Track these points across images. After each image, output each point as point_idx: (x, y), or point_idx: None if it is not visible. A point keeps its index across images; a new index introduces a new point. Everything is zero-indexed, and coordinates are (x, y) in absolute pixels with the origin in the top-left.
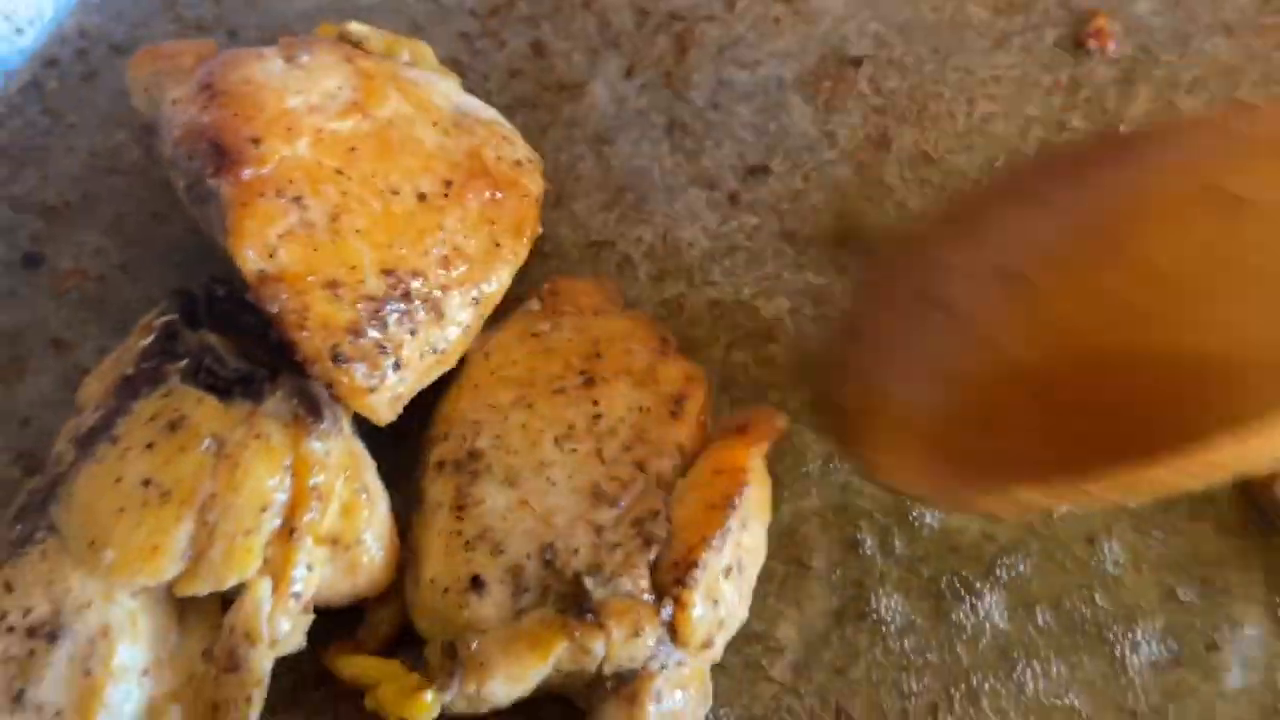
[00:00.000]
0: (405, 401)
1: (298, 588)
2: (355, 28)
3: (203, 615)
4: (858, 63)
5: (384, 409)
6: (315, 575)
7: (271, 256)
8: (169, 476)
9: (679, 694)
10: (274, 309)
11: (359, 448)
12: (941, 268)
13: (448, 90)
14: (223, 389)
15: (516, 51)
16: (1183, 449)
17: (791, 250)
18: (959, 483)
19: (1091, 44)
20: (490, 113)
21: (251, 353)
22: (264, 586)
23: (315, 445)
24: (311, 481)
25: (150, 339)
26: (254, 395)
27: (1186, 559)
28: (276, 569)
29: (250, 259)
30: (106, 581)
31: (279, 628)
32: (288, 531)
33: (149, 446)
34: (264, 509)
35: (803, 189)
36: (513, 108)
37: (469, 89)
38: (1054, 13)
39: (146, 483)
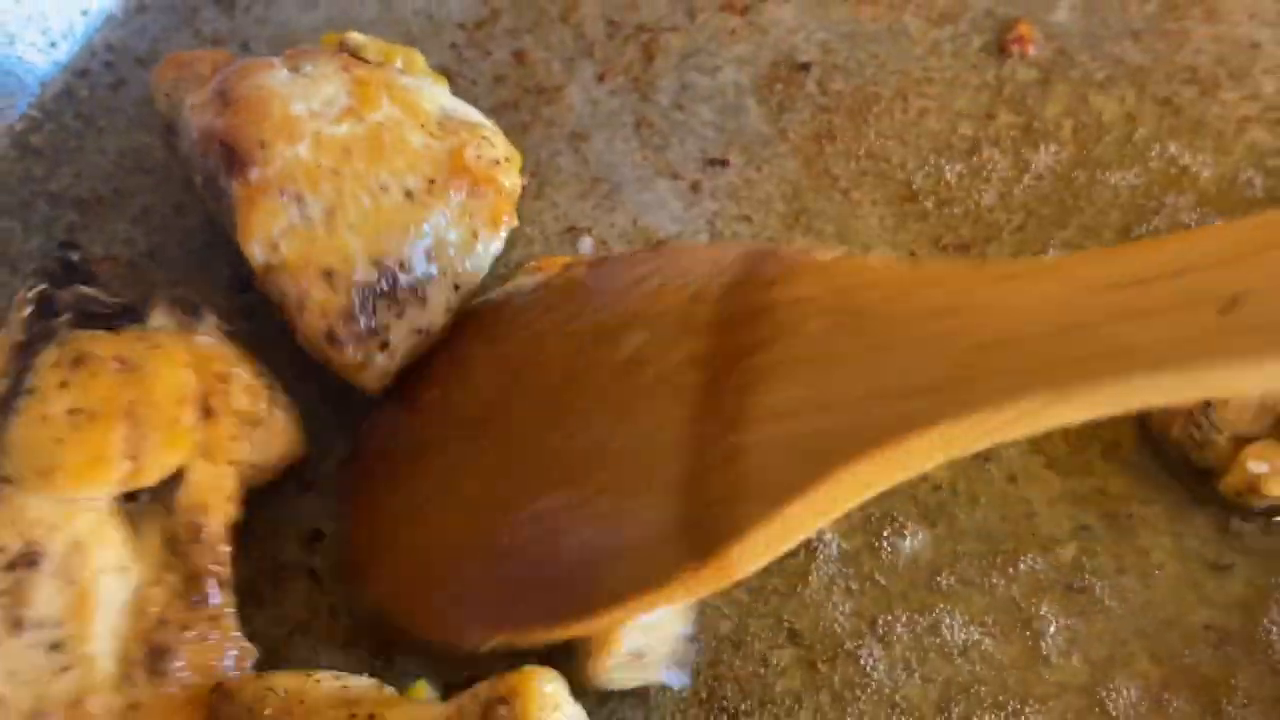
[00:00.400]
0: (392, 376)
1: (231, 455)
2: (354, 36)
3: (153, 519)
4: (806, 67)
5: (373, 382)
6: (241, 445)
7: (275, 250)
8: (89, 401)
9: None
10: (277, 296)
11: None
12: (423, 411)
13: (436, 94)
14: (109, 324)
15: (500, 60)
16: (601, 610)
17: (747, 232)
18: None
19: (1014, 48)
20: (474, 115)
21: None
22: (201, 464)
23: (204, 339)
24: (213, 369)
25: (29, 309)
26: (138, 319)
27: (1096, 494)
28: (208, 447)
29: (257, 254)
30: (65, 502)
31: (225, 491)
32: (208, 411)
33: (63, 385)
34: (180, 401)
35: (757, 179)
36: (497, 110)
37: (457, 93)
38: (980, 21)
39: (72, 412)
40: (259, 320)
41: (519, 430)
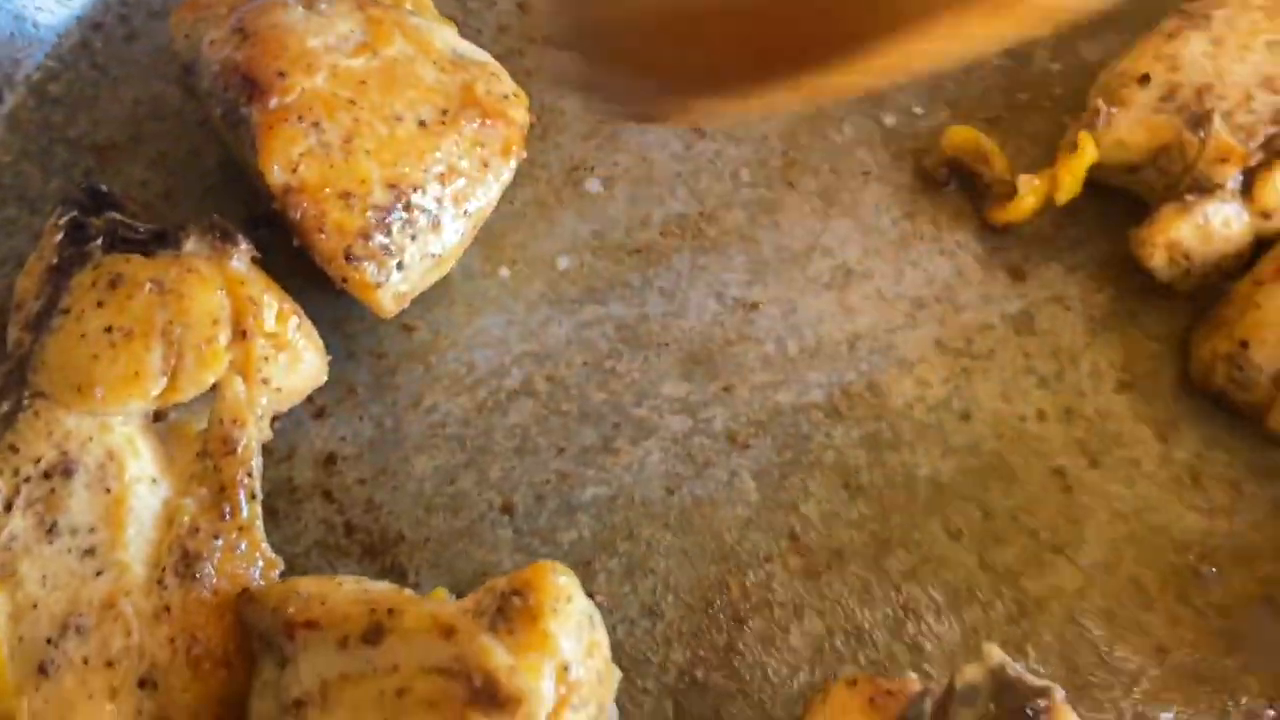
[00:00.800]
0: (407, 300)
1: (264, 373)
2: None
3: (182, 436)
4: None
5: (389, 303)
6: (271, 366)
7: (294, 172)
8: (125, 319)
9: None
10: (296, 216)
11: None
12: None
13: (445, 35)
14: (143, 248)
15: (505, 10)
16: (851, 54)
17: (746, 173)
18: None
19: None
20: (482, 55)
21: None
22: (236, 381)
23: (237, 265)
24: (245, 293)
25: (61, 234)
26: (172, 244)
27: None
28: (241, 365)
29: (276, 173)
30: (100, 415)
31: (258, 409)
32: (240, 334)
33: (99, 305)
34: (215, 322)
35: (755, 121)
36: (502, 57)
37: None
38: None
39: (108, 329)
40: (271, 258)
41: None
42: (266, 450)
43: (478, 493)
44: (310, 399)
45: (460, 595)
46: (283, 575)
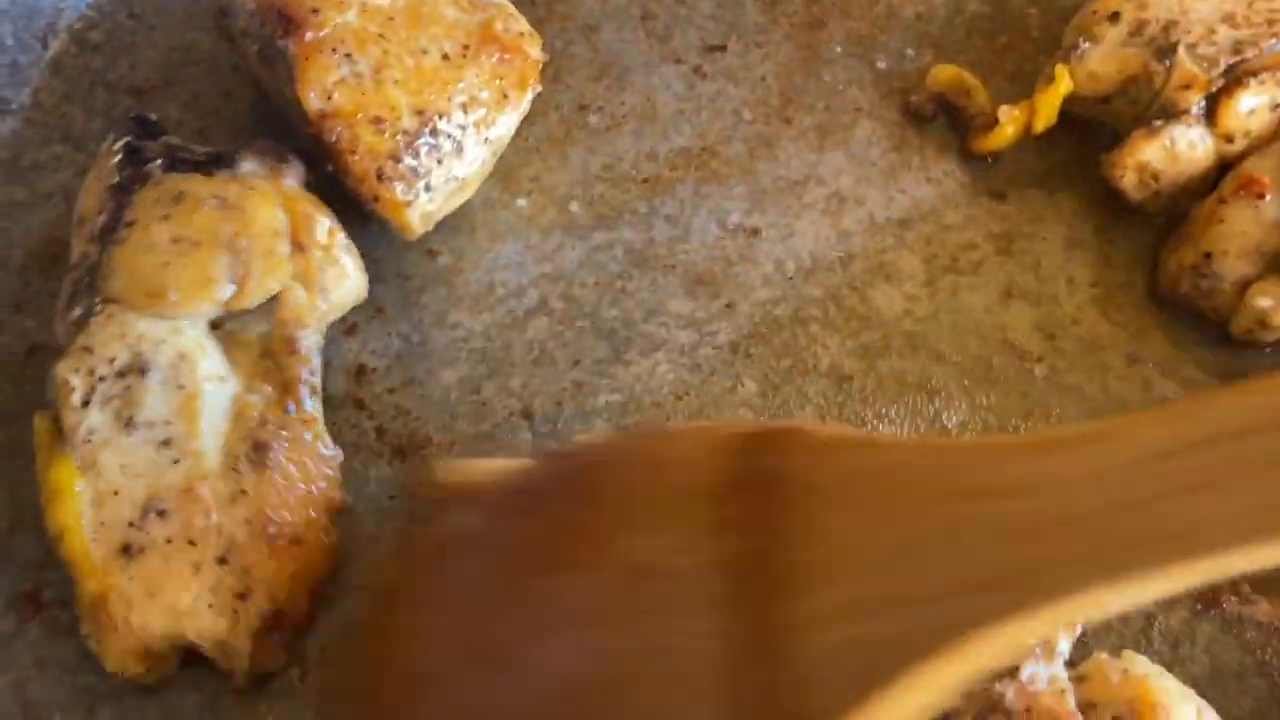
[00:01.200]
0: (432, 221)
1: (320, 281)
2: None
3: (245, 340)
4: None
5: (417, 222)
6: (326, 275)
7: (329, 99)
8: (192, 231)
9: None
10: (331, 139)
11: None
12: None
13: None
14: (201, 168)
15: None
16: None
17: (746, 111)
18: None
19: None
20: None
21: None
22: (297, 287)
23: (291, 183)
24: (300, 209)
25: (119, 156)
26: (229, 165)
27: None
28: (300, 273)
29: (312, 100)
30: (172, 319)
31: (319, 313)
32: (299, 246)
33: (165, 218)
34: (276, 234)
35: (753, 62)
36: (516, 3)
37: None
38: None
39: (176, 240)
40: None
41: (520, 661)
42: None
43: (499, 400)
44: (342, 317)
45: None
46: None
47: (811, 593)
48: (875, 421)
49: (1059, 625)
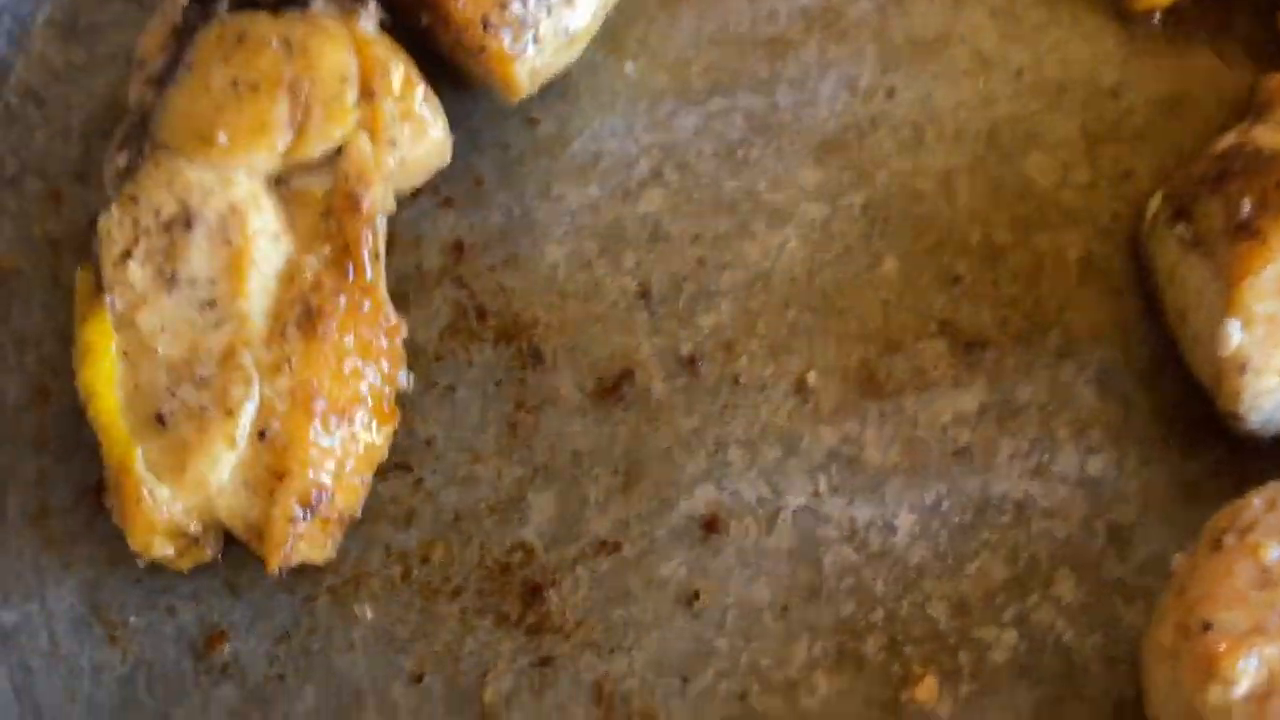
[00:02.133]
0: (539, 80)
1: (391, 133)
2: None
3: (306, 197)
4: None
5: (524, 77)
6: (398, 129)
7: None
8: (251, 73)
9: None
10: None
11: None
12: None
13: None
14: (269, 7)
15: None
16: None
17: None
18: None
19: None
20: None
21: None
22: (363, 139)
23: (366, 25)
24: (373, 54)
25: None
26: (300, 3)
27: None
28: (368, 124)
29: None
30: (223, 167)
31: (386, 170)
32: (368, 94)
33: (225, 60)
34: (342, 79)
35: None
36: None
37: None
38: None
39: (234, 83)
40: None
41: None
42: (392, 239)
43: (611, 279)
44: (435, 189)
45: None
46: (410, 362)
47: None
48: (1036, 299)
49: None
